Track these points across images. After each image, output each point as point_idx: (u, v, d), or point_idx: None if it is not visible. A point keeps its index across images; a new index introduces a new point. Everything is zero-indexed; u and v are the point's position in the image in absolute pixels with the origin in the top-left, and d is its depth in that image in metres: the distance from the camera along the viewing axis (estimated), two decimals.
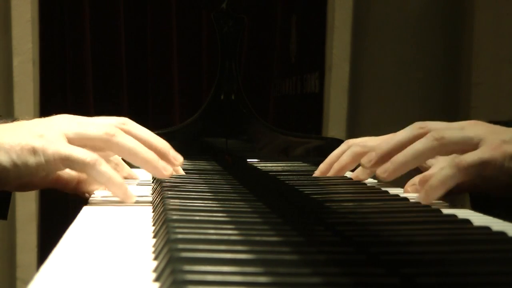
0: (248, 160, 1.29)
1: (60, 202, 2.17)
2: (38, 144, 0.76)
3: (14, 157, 0.75)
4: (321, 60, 2.30)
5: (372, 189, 0.90)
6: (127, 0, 2.27)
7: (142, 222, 0.69)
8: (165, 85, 2.30)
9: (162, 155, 0.82)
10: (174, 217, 0.62)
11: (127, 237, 0.63)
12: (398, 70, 2.35)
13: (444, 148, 0.80)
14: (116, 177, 0.77)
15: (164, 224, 0.59)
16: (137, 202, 0.82)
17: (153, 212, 0.74)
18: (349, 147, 0.98)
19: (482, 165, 0.76)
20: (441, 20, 2.34)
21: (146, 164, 0.80)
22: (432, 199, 0.77)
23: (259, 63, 2.33)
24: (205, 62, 2.30)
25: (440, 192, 0.77)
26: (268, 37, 2.32)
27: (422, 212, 0.74)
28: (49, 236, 2.18)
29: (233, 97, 1.32)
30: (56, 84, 2.25)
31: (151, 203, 0.80)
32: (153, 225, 0.66)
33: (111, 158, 0.90)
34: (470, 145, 0.79)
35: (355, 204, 0.78)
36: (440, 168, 0.79)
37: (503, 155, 0.76)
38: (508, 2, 2.10)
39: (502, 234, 0.58)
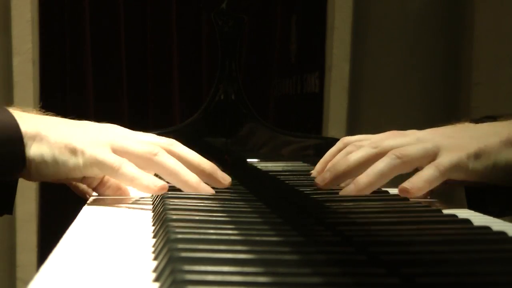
0: (248, 160, 1.29)
1: (60, 202, 2.17)
2: (80, 145, 0.77)
3: (56, 153, 0.76)
4: (321, 60, 2.30)
5: None
6: (127, 0, 2.27)
7: (142, 222, 0.69)
8: (165, 85, 2.29)
9: (208, 176, 0.82)
10: (174, 217, 0.62)
11: (127, 237, 0.63)
12: (398, 70, 2.35)
13: (408, 165, 0.81)
14: (141, 177, 0.77)
15: (164, 224, 0.59)
16: (136, 202, 0.82)
17: (153, 212, 0.74)
18: (344, 145, 0.97)
19: (455, 168, 0.78)
20: (441, 20, 2.34)
21: (186, 186, 0.79)
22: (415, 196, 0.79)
23: (259, 63, 2.33)
24: (205, 62, 2.30)
25: (424, 191, 0.79)
26: (268, 37, 2.32)
27: (422, 212, 0.74)
28: (49, 236, 2.18)
29: (233, 97, 1.32)
30: (56, 84, 2.25)
31: (151, 203, 0.80)
32: (153, 225, 0.66)
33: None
34: (431, 156, 0.80)
35: (355, 204, 0.78)
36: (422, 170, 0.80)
37: (467, 156, 0.78)
38: (508, 2, 2.10)
39: (502, 234, 0.58)
